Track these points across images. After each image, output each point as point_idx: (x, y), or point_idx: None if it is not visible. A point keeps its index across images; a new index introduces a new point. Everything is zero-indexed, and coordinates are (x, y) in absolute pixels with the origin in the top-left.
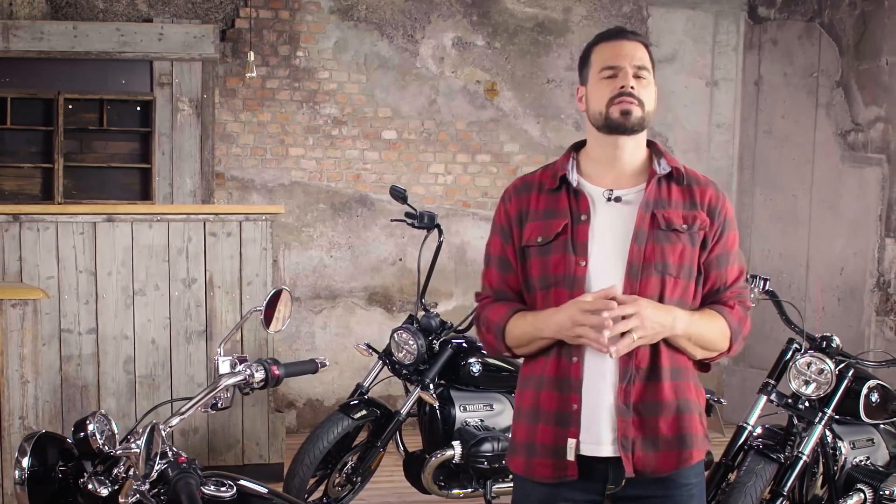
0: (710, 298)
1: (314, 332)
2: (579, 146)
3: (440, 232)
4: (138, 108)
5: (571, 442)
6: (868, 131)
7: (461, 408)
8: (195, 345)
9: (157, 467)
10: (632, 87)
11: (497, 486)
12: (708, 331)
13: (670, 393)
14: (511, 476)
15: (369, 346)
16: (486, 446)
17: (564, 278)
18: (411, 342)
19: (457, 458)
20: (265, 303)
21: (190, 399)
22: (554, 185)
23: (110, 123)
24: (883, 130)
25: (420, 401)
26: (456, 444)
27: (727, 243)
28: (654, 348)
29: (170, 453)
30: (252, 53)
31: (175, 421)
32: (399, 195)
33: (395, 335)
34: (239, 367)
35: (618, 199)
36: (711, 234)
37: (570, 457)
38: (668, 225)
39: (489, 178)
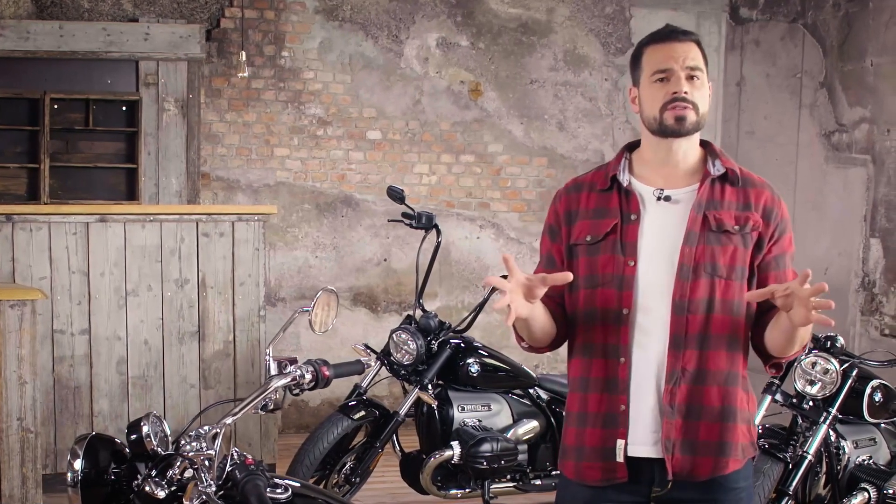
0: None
1: (299, 333)
2: (633, 146)
3: (438, 232)
4: (124, 108)
5: (620, 443)
6: (852, 132)
7: (459, 408)
8: (188, 345)
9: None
10: (685, 92)
11: (495, 486)
12: (808, 329)
13: (717, 398)
14: (508, 476)
15: (367, 347)
16: (486, 446)
17: (613, 278)
18: (410, 343)
19: (456, 459)
20: (313, 304)
21: (241, 401)
22: (605, 185)
23: (96, 123)
24: (868, 131)
25: (418, 401)
26: (455, 444)
27: (784, 245)
28: (704, 352)
29: (236, 455)
30: (244, 53)
31: (228, 421)
32: (397, 195)
33: (394, 336)
34: (289, 369)
35: (668, 199)
36: (767, 235)
37: (620, 458)
38: (719, 226)
39: (473, 179)
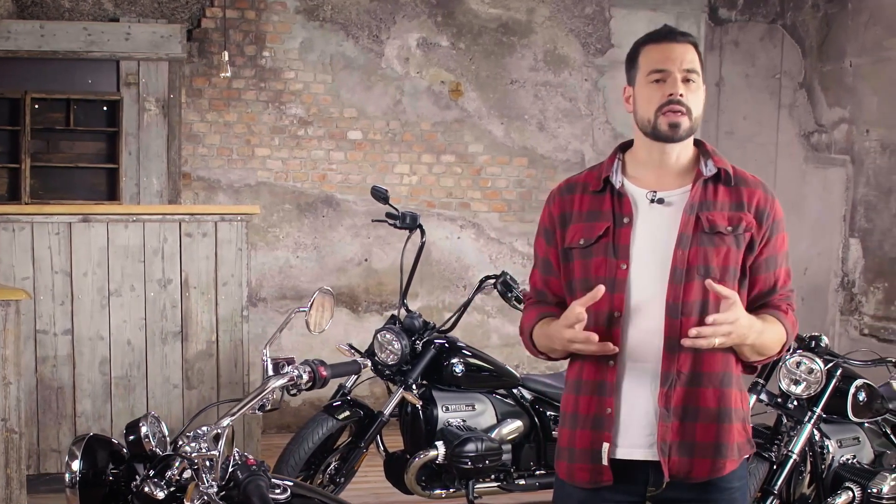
0: (759, 301)
1: (281, 333)
2: (626, 146)
3: (422, 232)
4: (105, 108)
5: (605, 446)
6: (832, 132)
7: (443, 408)
8: (170, 346)
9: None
10: (681, 95)
11: (479, 486)
12: (769, 339)
13: (712, 400)
14: (493, 476)
15: (351, 347)
16: (470, 446)
17: (605, 281)
18: (395, 343)
19: (440, 459)
20: (310, 304)
21: (238, 401)
22: (598, 186)
23: (77, 123)
24: (847, 132)
25: (402, 401)
26: (439, 444)
27: (776, 245)
28: (698, 354)
29: (237, 456)
30: (226, 53)
31: (227, 422)
32: (381, 196)
33: (379, 336)
34: (286, 369)
35: (661, 202)
36: (759, 236)
37: (604, 461)
38: (711, 227)
39: (454, 179)
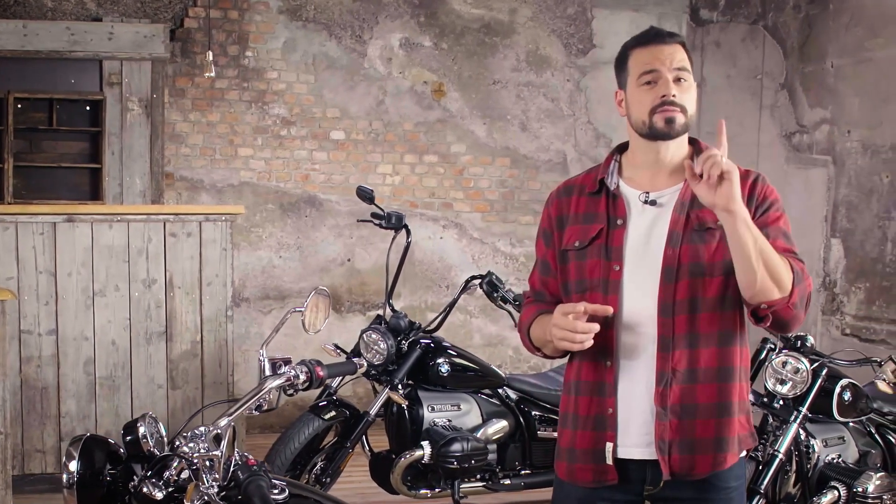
0: None
1: (263, 333)
2: (623, 148)
3: (408, 232)
4: (88, 108)
5: (609, 446)
6: (813, 133)
7: (429, 408)
8: (155, 346)
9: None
10: (673, 95)
11: (465, 485)
12: (774, 255)
13: (711, 395)
14: (478, 476)
15: (337, 347)
16: (456, 446)
17: (599, 283)
18: (381, 343)
19: (426, 458)
20: (306, 304)
21: (235, 401)
22: (594, 188)
23: (60, 123)
24: (828, 132)
25: (388, 401)
26: (425, 444)
27: (766, 221)
28: (694, 351)
29: (237, 456)
30: (210, 53)
31: (223, 422)
32: (366, 196)
33: (365, 336)
34: (283, 369)
35: (653, 203)
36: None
37: (609, 461)
38: (701, 224)
39: (436, 179)
